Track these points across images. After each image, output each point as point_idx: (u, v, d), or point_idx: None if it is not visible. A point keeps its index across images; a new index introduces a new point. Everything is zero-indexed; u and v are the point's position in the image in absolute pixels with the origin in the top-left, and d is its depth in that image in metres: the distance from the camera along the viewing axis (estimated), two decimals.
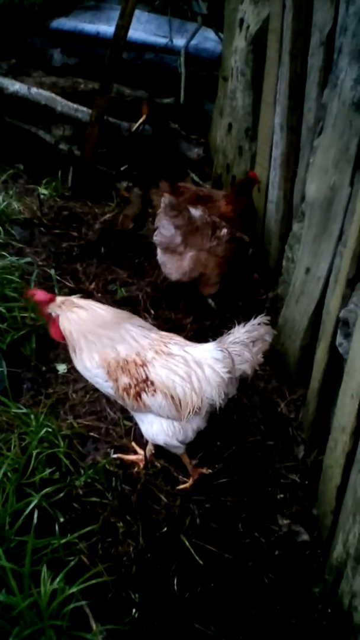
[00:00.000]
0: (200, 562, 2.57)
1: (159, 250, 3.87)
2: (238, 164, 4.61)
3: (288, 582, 2.58)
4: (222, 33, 4.88)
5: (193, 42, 5.39)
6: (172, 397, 2.60)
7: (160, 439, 2.73)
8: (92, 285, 4.18)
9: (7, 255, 4.02)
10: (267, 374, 3.54)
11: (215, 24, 5.29)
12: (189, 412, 2.62)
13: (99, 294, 4.10)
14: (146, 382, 2.60)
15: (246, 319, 3.84)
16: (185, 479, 2.91)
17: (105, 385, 2.70)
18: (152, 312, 3.99)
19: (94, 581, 2.33)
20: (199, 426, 2.74)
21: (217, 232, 3.79)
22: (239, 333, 2.76)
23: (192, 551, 2.60)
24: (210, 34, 5.58)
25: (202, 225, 3.74)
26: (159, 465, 2.96)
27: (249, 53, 4.31)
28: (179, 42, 5.60)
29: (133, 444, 3.02)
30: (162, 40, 5.76)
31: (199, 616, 2.41)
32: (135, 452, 2.98)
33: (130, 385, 2.61)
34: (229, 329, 2.82)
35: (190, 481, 2.89)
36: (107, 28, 5.71)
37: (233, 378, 2.67)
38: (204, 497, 2.84)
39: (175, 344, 2.73)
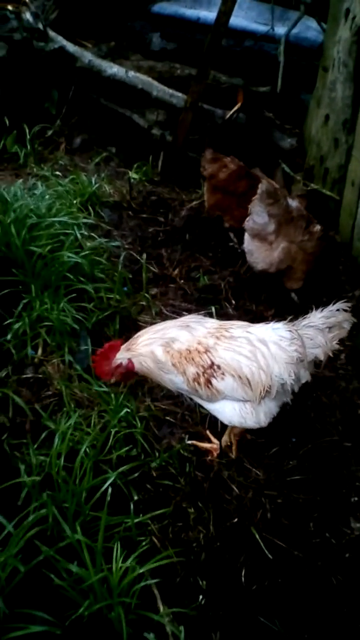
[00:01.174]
0: (270, 556, 2.56)
1: (247, 237, 3.83)
2: (332, 157, 4.50)
3: (357, 585, 2.53)
4: (325, 23, 4.75)
5: (294, 30, 5.27)
6: (240, 377, 2.57)
7: (236, 421, 2.71)
8: (176, 272, 4.21)
9: (96, 236, 4.10)
10: (349, 374, 3.46)
11: (318, 13, 5.15)
12: (260, 392, 2.58)
13: (182, 281, 4.13)
14: (212, 368, 2.59)
15: None
16: (258, 472, 2.90)
17: (178, 382, 2.70)
18: (233, 302, 3.98)
19: (164, 562, 2.37)
20: (270, 409, 2.69)
21: (311, 227, 3.72)
22: (315, 317, 2.72)
23: (262, 544, 2.59)
24: (312, 23, 5.45)
25: (298, 217, 3.69)
26: (232, 455, 2.96)
27: (352, 44, 4.20)
28: (280, 30, 5.50)
29: (208, 432, 3.03)
30: (263, 28, 5.68)
31: (264, 610, 2.41)
32: (210, 441, 2.99)
33: (198, 374, 2.60)
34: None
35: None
36: (207, 14, 5.69)
37: (304, 360, 2.61)
38: (276, 492, 2.83)
39: (238, 327, 2.70)
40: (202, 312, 3.74)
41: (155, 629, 2.26)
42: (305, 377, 2.68)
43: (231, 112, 5.00)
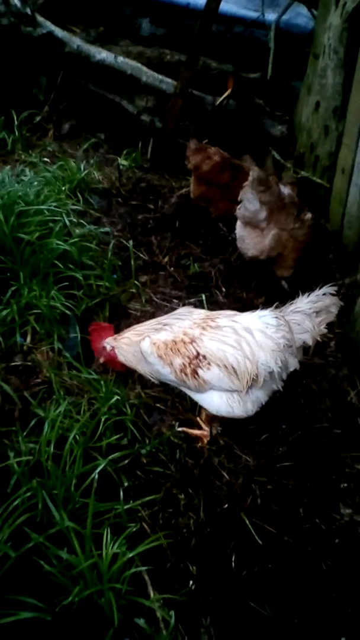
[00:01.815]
0: (260, 541, 2.57)
1: (238, 224, 3.81)
2: (323, 144, 4.48)
3: (346, 570, 2.54)
4: (316, 9, 4.72)
5: (284, 17, 5.22)
6: (225, 367, 2.57)
7: (223, 411, 2.72)
8: (165, 259, 4.19)
9: (85, 223, 4.06)
10: (339, 362, 3.47)
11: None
12: (247, 381, 2.58)
13: (172, 268, 4.11)
14: (198, 358, 2.59)
15: None
16: (248, 458, 2.90)
17: (166, 373, 2.71)
18: (224, 289, 3.97)
19: (153, 544, 2.39)
20: (258, 398, 2.70)
21: (302, 215, 3.71)
22: (302, 303, 2.73)
23: (252, 530, 2.60)
24: (302, 9, 5.41)
25: (290, 204, 3.67)
26: (222, 442, 2.96)
27: (343, 31, 4.17)
28: (270, 16, 5.45)
29: (198, 419, 3.03)
30: (253, 14, 5.62)
31: (254, 595, 2.42)
32: (200, 428, 2.99)
33: (184, 365, 2.61)
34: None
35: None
36: None
37: (291, 347, 2.61)
38: (266, 478, 2.83)
39: (224, 317, 2.71)
40: (193, 299, 3.76)
41: (145, 615, 2.26)
42: (294, 364, 2.68)
43: (221, 99, 4.96)
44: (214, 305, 3.72)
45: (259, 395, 2.70)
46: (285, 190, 3.72)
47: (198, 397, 2.77)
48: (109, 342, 2.89)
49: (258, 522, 2.65)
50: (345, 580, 2.51)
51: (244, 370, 2.57)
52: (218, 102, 5.00)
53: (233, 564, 2.51)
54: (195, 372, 2.61)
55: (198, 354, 2.60)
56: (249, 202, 3.62)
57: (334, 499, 2.80)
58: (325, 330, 2.71)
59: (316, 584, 2.49)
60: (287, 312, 2.70)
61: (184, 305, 3.58)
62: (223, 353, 2.58)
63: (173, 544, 2.52)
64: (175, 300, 3.77)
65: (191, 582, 2.42)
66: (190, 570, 2.46)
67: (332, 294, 2.73)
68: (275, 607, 2.39)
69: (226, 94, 4.92)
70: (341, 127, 4.24)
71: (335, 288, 2.76)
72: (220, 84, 5.14)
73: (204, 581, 2.44)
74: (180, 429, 2.97)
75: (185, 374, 2.63)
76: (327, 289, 2.74)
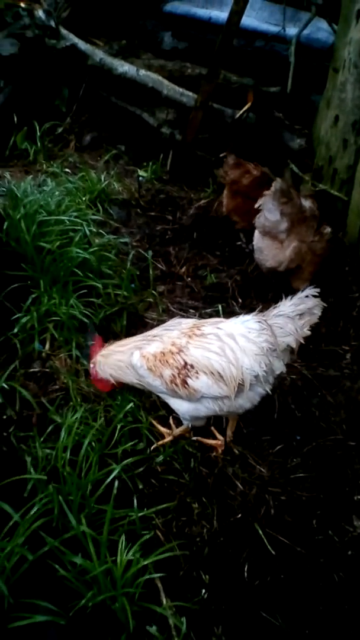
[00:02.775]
0: (272, 552, 2.58)
1: (257, 235, 3.84)
2: (341, 157, 4.51)
3: (358, 582, 2.54)
4: (336, 24, 4.77)
5: (305, 31, 5.28)
6: (212, 374, 2.60)
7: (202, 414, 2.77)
8: (183, 270, 4.23)
9: (105, 233, 4.12)
10: (354, 374, 3.47)
11: (329, 14, 5.16)
12: (234, 387, 2.59)
13: (189, 279, 4.15)
14: (186, 368, 2.62)
15: (336, 315, 3.83)
16: (262, 469, 2.92)
17: (157, 385, 2.74)
18: (240, 300, 4.00)
19: (167, 554, 2.39)
20: (242, 405, 2.71)
21: (322, 228, 3.73)
22: (285, 306, 2.74)
23: (265, 540, 2.61)
24: (323, 24, 5.46)
25: (311, 217, 3.69)
26: (237, 452, 2.97)
27: None
28: (291, 31, 5.51)
29: (212, 428, 3.05)
30: (274, 28, 5.69)
31: (266, 605, 2.43)
32: (215, 437, 3.01)
33: (174, 375, 2.64)
34: (318, 324, 2.78)
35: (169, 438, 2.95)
36: (219, 13, 5.71)
37: (275, 350, 2.63)
38: (280, 489, 2.84)
39: (209, 324, 2.73)
40: (209, 309, 3.79)
41: (158, 622, 2.28)
42: (280, 367, 2.70)
43: (241, 112, 5.01)
44: (230, 315, 3.73)
45: (243, 402, 2.70)
46: (307, 203, 3.75)
47: (187, 407, 2.78)
48: (93, 361, 2.95)
49: (271, 532, 2.66)
50: (358, 592, 2.51)
51: (229, 376, 2.59)
52: (238, 115, 5.05)
53: (245, 573, 2.52)
54: (185, 382, 2.64)
55: (186, 363, 2.62)
56: (270, 213, 3.65)
57: (347, 511, 2.80)
58: (309, 333, 2.71)
59: (328, 595, 2.49)
60: (270, 316, 2.72)
61: (200, 316, 3.63)
62: (208, 360, 2.60)
63: (186, 552, 2.53)
64: (191, 310, 3.81)
65: (204, 591, 2.43)
66: (202, 578, 2.47)
67: (314, 296, 2.74)
68: (287, 618, 2.39)
69: (246, 107, 4.96)
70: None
71: (318, 290, 2.76)
72: (240, 97, 5.19)
73: (217, 590, 2.45)
74: (194, 437, 2.99)
75: (176, 385, 2.65)
76: (309, 291, 2.75)
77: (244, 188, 4.24)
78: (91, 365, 2.96)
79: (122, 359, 2.82)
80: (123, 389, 3.05)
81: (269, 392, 2.73)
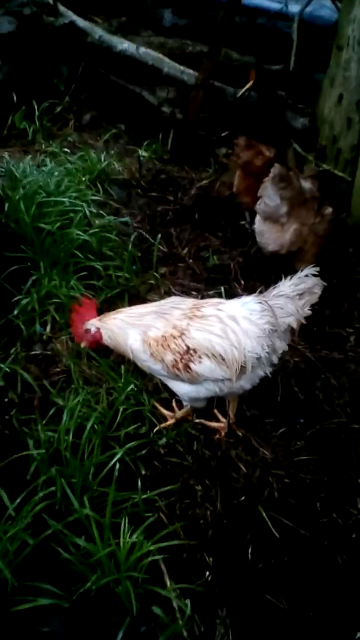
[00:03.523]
0: (276, 534, 2.57)
1: (258, 219, 3.81)
2: (345, 137, 4.45)
3: None
4: (340, 1, 4.68)
5: (308, 9, 5.19)
6: (214, 356, 2.57)
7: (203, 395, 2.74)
8: (184, 251, 4.18)
9: (105, 214, 4.07)
10: (359, 357, 3.45)
11: None
12: (236, 370, 2.57)
13: (191, 260, 4.11)
14: (189, 353, 2.59)
15: (340, 297, 3.80)
16: (265, 452, 2.90)
17: (157, 369, 2.71)
18: (243, 282, 3.96)
19: (172, 542, 2.39)
20: (242, 386, 2.70)
21: (322, 209, 3.68)
22: (285, 286, 2.71)
23: (269, 523, 2.60)
24: (326, 1, 5.36)
25: (310, 199, 3.65)
26: (240, 434, 2.96)
27: None
28: (294, 8, 5.41)
29: (215, 411, 3.03)
30: (276, 5, 5.60)
31: (270, 587, 2.42)
32: (218, 420, 2.99)
33: (176, 360, 2.61)
34: (321, 306, 2.75)
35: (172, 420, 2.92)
36: None
37: (277, 331, 2.61)
38: (283, 472, 2.83)
39: (209, 305, 2.70)
40: (211, 291, 3.75)
41: (162, 604, 2.27)
42: (282, 346, 2.68)
43: (243, 90, 4.93)
44: (232, 297, 3.70)
45: (252, 377, 2.69)
46: (306, 184, 3.71)
47: (187, 388, 2.75)
48: (93, 324, 2.84)
49: (275, 515, 2.65)
50: None
51: (232, 359, 2.57)
52: (240, 94, 4.98)
53: (249, 556, 2.51)
54: (187, 367, 2.61)
55: (188, 348, 2.59)
56: (269, 198, 3.62)
57: (351, 494, 2.79)
58: (310, 312, 2.69)
59: (332, 577, 2.49)
60: (270, 296, 2.69)
61: (202, 298, 3.59)
62: (210, 343, 2.58)
63: (189, 534, 2.52)
64: (194, 293, 3.77)
65: (207, 573, 2.42)
66: (206, 561, 2.47)
67: (314, 275, 2.71)
68: (290, 600, 2.39)
69: (248, 85, 4.89)
70: None
71: (317, 269, 2.73)
72: (242, 75, 5.11)
73: (220, 572, 2.45)
74: (197, 420, 2.97)
75: (178, 369, 2.62)
76: (308, 270, 2.72)
77: (256, 169, 4.18)
78: (91, 329, 2.84)
79: (119, 335, 2.76)
80: (127, 371, 3.03)
81: (269, 374, 2.71)
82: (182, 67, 5.25)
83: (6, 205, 3.59)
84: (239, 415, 2.99)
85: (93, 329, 2.83)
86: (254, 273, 4.03)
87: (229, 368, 2.59)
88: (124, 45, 5.26)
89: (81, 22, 5.26)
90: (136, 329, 2.71)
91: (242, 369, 2.60)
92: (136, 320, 2.73)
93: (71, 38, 5.26)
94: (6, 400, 2.96)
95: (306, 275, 2.71)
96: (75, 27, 5.22)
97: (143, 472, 2.70)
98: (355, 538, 2.63)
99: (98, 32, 5.29)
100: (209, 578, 2.41)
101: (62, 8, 5.22)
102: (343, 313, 3.76)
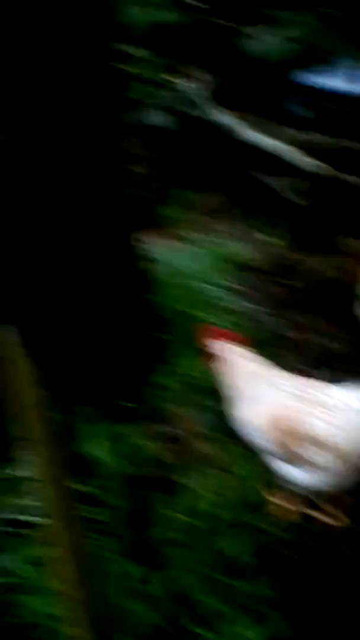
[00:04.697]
0: None
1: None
2: None
3: None
4: None
5: None
6: (336, 450, 2.52)
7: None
8: (296, 334, 4.29)
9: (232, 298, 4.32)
10: None
11: None
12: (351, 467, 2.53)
13: (301, 343, 4.20)
14: (308, 437, 2.55)
15: None
16: None
17: (260, 439, 2.69)
18: (351, 369, 3.96)
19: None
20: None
21: None
22: None
23: None
24: None
25: None
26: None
27: None
28: None
29: (332, 506, 2.89)
30: None
31: None
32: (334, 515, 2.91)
33: (289, 442, 2.58)
34: None
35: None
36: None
37: None
38: None
39: (335, 391, 2.63)
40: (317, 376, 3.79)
41: None
42: None
43: None
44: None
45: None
46: None
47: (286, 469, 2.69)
48: (217, 349, 2.79)
49: None
50: None
51: (346, 454, 2.52)
52: None
53: None
54: (303, 455, 2.58)
55: (307, 433, 2.55)
56: None
57: None
58: None
59: None
60: None
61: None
62: (333, 438, 2.52)
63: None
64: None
65: None
66: None
67: None
68: None
69: None
70: None
71: None
72: None
73: None
74: (309, 512, 2.89)
75: (292, 455, 2.59)
76: None
77: None
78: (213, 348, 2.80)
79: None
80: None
81: None
82: (308, 159, 5.53)
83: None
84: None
85: (215, 351, 2.78)
86: None
87: (343, 464, 2.55)
88: (259, 138, 5.66)
89: (228, 120, 5.69)
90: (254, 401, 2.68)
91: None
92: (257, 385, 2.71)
93: (217, 134, 5.70)
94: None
95: None
96: (221, 124, 5.66)
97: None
98: None
99: (244, 129, 5.72)
100: None
101: (210, 106, 5.67)
102: None
